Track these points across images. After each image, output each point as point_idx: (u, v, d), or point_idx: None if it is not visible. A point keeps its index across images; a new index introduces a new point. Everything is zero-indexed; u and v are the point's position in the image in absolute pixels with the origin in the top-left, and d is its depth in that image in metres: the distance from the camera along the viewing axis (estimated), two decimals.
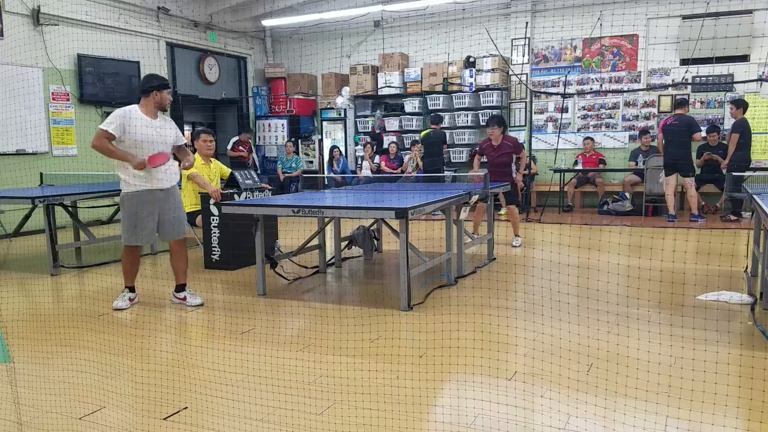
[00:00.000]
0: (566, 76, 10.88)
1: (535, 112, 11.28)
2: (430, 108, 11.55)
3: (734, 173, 7.09)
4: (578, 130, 11.05)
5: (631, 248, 7.05)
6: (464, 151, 11.41)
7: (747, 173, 7.97)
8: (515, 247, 7.13)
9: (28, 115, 8.82)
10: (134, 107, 4.58)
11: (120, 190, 4.65)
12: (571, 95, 10.82)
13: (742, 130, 8.67)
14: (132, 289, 4.86)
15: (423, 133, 10.52)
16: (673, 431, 2.60)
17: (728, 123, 9.67)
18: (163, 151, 4.58)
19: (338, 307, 4.75)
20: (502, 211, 8.44)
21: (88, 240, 6.79)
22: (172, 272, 4.91)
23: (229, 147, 11.55)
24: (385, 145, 11.73)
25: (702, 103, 10.24)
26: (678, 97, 9.75)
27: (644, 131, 10.19)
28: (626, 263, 6.09)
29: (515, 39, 11.13)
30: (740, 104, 8.75)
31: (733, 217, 8.83)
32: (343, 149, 12.11)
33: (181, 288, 4.84)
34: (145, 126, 4.50)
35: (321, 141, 12.84)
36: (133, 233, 4.62)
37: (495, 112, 11.06)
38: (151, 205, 4.60)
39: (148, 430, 2.74)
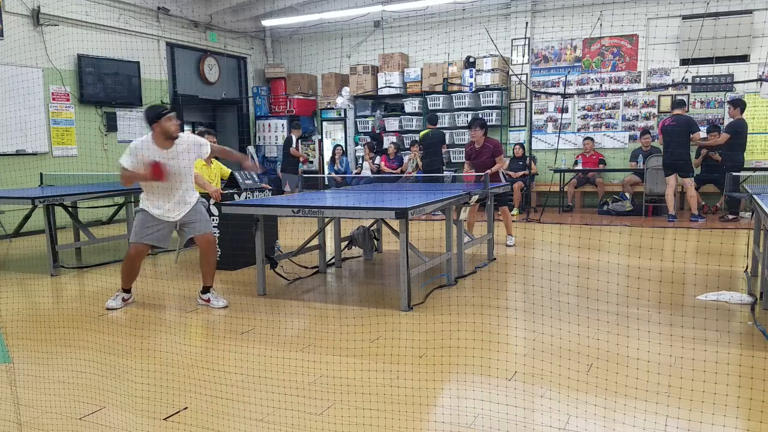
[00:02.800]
0: (566, 76, 10.88)
1: (535, 112, 11.27)
2: (430, 108, 11.55)
3: (733, 173, 7.08)
4: (578, 130, 11.04)
5: (631, 248, 7.05)
6: (464, 152, 11.38)
7: (746, 174, 7.96)
8: (509, 246, 7.19)
9: (28, 116, 8.82)
10: (148, 138, 4.61)
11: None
12: (571, 95, 10.81)
13: (735, 131, 8.65)
14: (127, 291, 4.86)
15: (421, 134, 10.53)
16: (673, 431, 2.60)
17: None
18: (177, 173, 4.61)
19: (338, 307, 4.75)
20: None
21: (88, 240, 6.79)
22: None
23: (294, 146, 11.06)
24: (385, 145, 11.73)
25: (702, 103, 10.23)
26: (677, 97, 9.75)
27: (644, 131, 10.18)
28: (626, 263, 6.09)
29: (515, 39, 11.12)
30: (737, 104, 8.76)
31: (731, 216, 8.83)
32: (343, 149, 12.09)
33: (206, 290, 4.82)
34: (155, 157, 4.53)
35: (321, 141, 12.83)
36: (139, 232, 4.67)
37: (495, 112, 11.08)
38: (163, 221, 4.70)
39: (148, 430, 2.74)
